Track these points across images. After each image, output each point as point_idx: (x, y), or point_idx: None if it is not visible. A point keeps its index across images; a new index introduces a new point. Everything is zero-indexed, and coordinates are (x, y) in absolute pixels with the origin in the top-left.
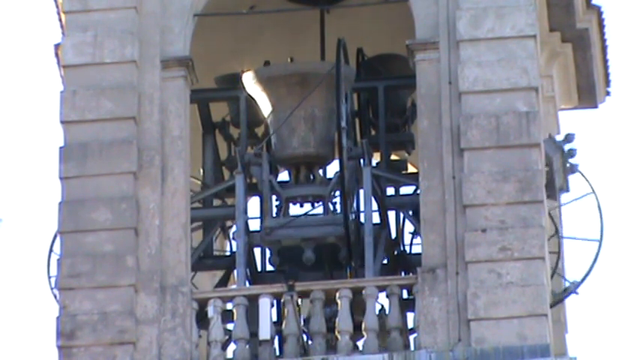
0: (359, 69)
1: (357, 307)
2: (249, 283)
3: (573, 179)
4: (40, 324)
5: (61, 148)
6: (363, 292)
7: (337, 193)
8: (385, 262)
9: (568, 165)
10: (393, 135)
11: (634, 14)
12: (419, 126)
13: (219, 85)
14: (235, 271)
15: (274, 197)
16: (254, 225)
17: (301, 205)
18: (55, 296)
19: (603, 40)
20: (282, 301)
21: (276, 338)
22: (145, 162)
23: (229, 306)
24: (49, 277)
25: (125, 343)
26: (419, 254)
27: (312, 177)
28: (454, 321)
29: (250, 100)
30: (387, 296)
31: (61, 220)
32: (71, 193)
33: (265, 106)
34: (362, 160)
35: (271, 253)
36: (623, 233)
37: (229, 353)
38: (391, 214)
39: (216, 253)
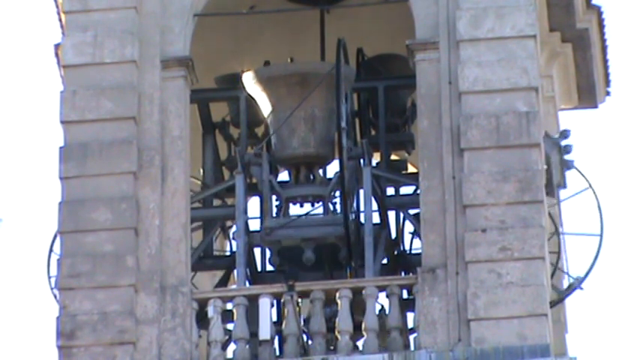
0: (359, 69)
1: (357, 307)
2: (249, 283)
3: (570, 175)
4: (40, 324)
5: (61, 148)
6: (363, 292)
7: (337, 193)
8: (385, 262)
9: (564, 161)
10: (393, 135)
11: (634, 14)
12: (419, 126)
13: (219, 85)
14: (235, 271)
15: (274, 197)
16: (254, 225)
17: (301, 205)
18: (55, 296)
19: (603, 40)
20: (282, 301)
21: (276, 338)
22: (145, 162)
23: (229, 306)
24: (49, 277)
25: (125, 343)
26: (419, 254)
27: (312, 177)
28: (454, 321)
29: (250, 100)
30: (387, 296)
31: (61, 220)
32: (71, 193)
33: (265, 106)
34: (362, 160)
35: (271, 253)
36: (623, 232)
37: (229, 353)
38: (391, 214)
39: (216, 253)
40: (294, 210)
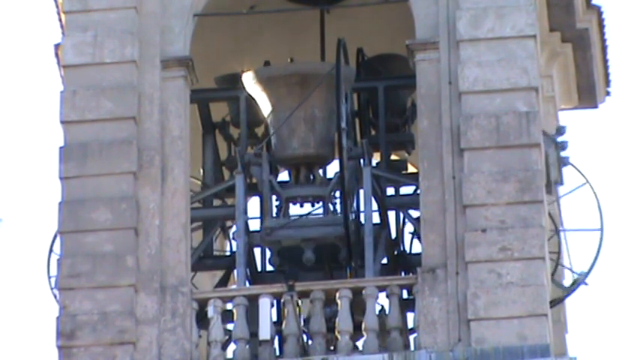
0: (359, 69)
1: (357, 307)
2: (249, 283)
3: (566, 172)
4: (40, 324)
5: (61, 148)
6: (363, 292)
7: (337, 193)
8: (385, 262)
9: (561, 158)
10: (393, 135)
11: (634, 14)
12: (419, 126)
13: (219, 85)
14: (235, 271)
15: (274, 197)
16: (254, 225)
17: (301, 206)
18: (55, 296)
19: (603, 40)
20: (282, 301)
21: (276, 338)
22: (145, 162)
23: (229, 306)
24: (49, 277)
25: (125, 343)
26: (419, 254)
27: (312, 177)
28: (454, 321)
29: (250, 100)
30: (387, 296)
31: (61, 220)
32: (71, 193)
33: (265, 106)
34: (362, 160)
35: (271, 254)
36: (623, 232)
37: (229, 353)
38: (391, 214)
39: (216, 253)
40: (294, 210)
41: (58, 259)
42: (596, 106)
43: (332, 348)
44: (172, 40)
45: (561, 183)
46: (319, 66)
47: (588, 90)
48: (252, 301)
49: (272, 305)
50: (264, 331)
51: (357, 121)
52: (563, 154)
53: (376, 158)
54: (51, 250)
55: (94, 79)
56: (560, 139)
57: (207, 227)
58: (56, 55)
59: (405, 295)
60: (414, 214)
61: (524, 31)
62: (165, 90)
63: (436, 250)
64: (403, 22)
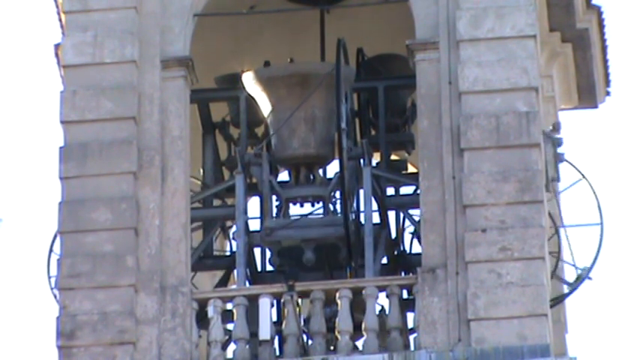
0: (359, 69)
1: (357, 307)
2: (249, 283)
3: (561, 168)
4: (40, 324)
5: (61, 148)
6: (363, 292)
7: (337, 193)
8: (385, 262)
9: (557, 155)
10: (393, 135)
11: (634, 14)
12: (419, 126)
13: (219, 85)
14: (235, 271)
15: (274, 197)
16: (254, 225)
17: (301, 206)
18: (55, 296)
19: (603, 40)
20: (282, 301)
21: (276, 338)
22: (145, 162)
23: (229, 306)
24: (49, 277)
25: (125, 343)
26: (419, 254)
27: (312, 177)
28: (454, 321)
29: (250, 100)
30: (387, 296)
31: (61, 220)
32: (71, 193)
33: (265, 107)
34: (362, 160)
35: (271, 254)
36: (623, 231)
37: (229, 353)
38: (391, 214)
39: (216, 253)
40: (294, 210)
41: (58, 259)
42: (596, 106)
43: (332, 348)
44: (172, 40)
45: (557, 179)
46: (319, 66)
47: (588, 90)
48: (252, 301)
49: (272, 305)
50: (264, 331)
51: (357, 121)
52: (558, 150)
53: (376, 158)
54: (51, 250)
55: (94, 79)
56: (556, 135)
57: (207, 227)
58: (56, 55)
59: (405, 295)
60: (414, 214)
61: (524, 31)
62: (165, 90)
63: (436, 250)
64: (403, 22)
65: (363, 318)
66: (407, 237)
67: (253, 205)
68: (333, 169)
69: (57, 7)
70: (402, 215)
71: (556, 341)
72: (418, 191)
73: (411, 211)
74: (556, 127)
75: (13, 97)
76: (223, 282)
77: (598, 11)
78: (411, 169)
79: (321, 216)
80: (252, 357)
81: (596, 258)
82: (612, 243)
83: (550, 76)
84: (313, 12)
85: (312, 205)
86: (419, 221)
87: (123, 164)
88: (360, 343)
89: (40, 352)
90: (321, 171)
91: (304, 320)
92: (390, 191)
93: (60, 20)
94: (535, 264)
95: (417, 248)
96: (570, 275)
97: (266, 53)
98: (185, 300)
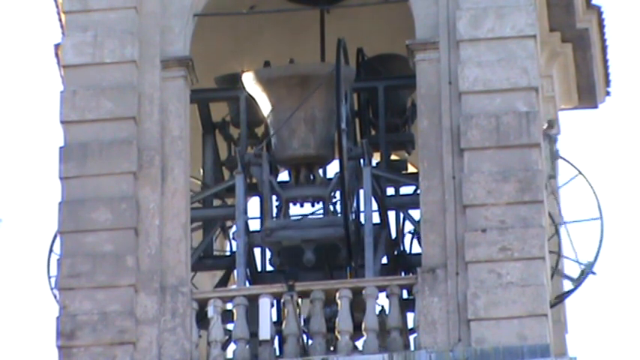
0: (359, 69)
1: (357, 307)
2: (249, 283)
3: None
4: (40, 324)
5: (61, 148)
6: (363, 292)
7: (337, 193)
8: (385, 262)
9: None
10: (393, 135)
11: (634, 14)
12: (419, 126)
13: (219, 85)
14: (235, 271)
15: (274, 197)
16: (254, 225)
17: (301, 206)
18: (55, 296)
19: (603, 40)
20: (282, 301)
21: (276, 338)
22: (145, 162)
23: (229, 306)
24: (49, 277)
25: (125, 343)
26: (419, 254)
27: (312, 177)
28: (454, 321)
29: (250, 100)
30: (387, 296)
31: (61, 220)
32: (71, 193)
33: (265, 107)
34: (362, 160)
35: (271, 254)
36: (623, 231)
37: (229, 353)
38: (391, 214)
39: (216, 253)
40: (294, 210)
41: (58, 259)
42: (596, 106)
43: (332, 348)
44: (172, 40)
45: (554, 176)
46: (319, 67)
47: (588, 90)
48: (252, 301)
49: (272, 305)
50: (264, 331)
51: (357, 121)
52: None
53: (376, 158)
54: (51, 250)
55: (94, 79)
56: (551, 132)
57: (207, 227)
58: (56, 55)
59: (405, 295)
60: (414, 214)
61: (524, 31)
62: (165, 90)
63: (436, 250)
64: (403, 22)
65: (363, 318)
66: (407, 237)
67: (253, 205)
68: (333, 169)
69: (57, 7)
70: (402, 215)
71: (556, 341)
72: (418, 191)
73: (411, 211)
74: (551, 124)
75: (13, 97)
76: (223, 282)
77: (598, 11)
78: (411, 169)
79: (321, 216)
80: (252, 357)
81: (598, 252)
82: (612, 238)
83: (550, 76)
84: (313, 12)
85: (312, 206)
86: (419, 221)
87: (123, 164)
88: (360, 343)
89: (40, 352)
90: (321, 171)
91: (304, 320)
92: (390, 191)
93: (60, 20)
94: (535, 264)
95: (417, 248)
96: (573, 271)
97: (266, 53)
98: (185, 300)
